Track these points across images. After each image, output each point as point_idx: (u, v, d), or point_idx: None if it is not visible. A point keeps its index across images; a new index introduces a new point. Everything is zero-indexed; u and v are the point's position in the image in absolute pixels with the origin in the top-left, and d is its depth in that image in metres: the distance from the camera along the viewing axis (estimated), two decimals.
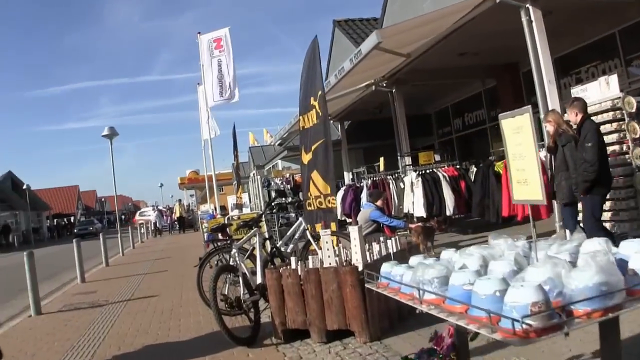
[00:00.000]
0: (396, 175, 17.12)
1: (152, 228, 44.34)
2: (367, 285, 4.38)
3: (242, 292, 7.49)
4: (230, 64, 19.09)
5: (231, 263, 8.16)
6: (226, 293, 7.61)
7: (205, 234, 16.75)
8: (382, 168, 17.99)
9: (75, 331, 9.56)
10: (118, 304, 11.90)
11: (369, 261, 6.90)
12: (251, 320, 7.46)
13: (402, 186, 15.89)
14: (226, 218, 13.43)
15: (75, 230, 64.33)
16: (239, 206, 21.13)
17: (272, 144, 34.09)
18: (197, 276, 9.31)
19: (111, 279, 16.89)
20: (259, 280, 7.87)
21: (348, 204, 18.15)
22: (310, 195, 9.74)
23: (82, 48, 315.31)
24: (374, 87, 17.66)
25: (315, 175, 9.92)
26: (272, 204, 11.96)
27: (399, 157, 18.82)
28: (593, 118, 8.97)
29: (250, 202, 24.78)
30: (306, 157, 10.11)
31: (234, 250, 8.07)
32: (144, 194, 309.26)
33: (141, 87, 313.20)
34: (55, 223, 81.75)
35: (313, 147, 9.82)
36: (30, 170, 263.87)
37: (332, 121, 23.06)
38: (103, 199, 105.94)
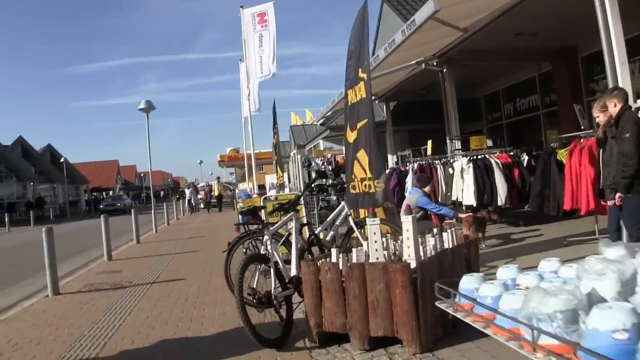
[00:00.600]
0: (444, 160, 16.09)
1: (187, 205, 43.74)
2: (439, 305, 3.27)
3: (273, 285, 6.51)
4: (272, 39, 18.61)
5: (263, 251, 7.16)
6: (255, 286, 6.55)
7: (240, 215, 15.90)
8: (429, 151, 17.00)
9: (89, 316, 8.77)
10: (141, 287, 11.09)
11: (423, 257, 5.85)
12: (282, 318, 6.45)
13: (451, 172, 14.82)
14: (262, 198, 12.45)
15: (102, 206, 59.70)
16: (278, 186, 20.13)
17: (314, 123, 33.15)
18: (224, 263, 8.41)
19: (139, 257, 16.16)
20: (293, 271, 6.94)
21: (392, 188, 16.90)
22: (355, 176, 8.78)
23: (125, 26, 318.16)
24: (423, 66, 16.49)
25: (361, 155, 8.99)
26: (312, 185, 10.77)
27: (447, 141, 17.64)
28: None
29: (289, 182, 23.72)
30: (351, 135, 9.14)
31: (266, 236, 7.06)
32: (184, 171, 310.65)
33: (183, 65, 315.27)
34: (93, 197, 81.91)
35: (359, 125, 8.85)
36: (72, 145, 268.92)
37: (377, 101, 22.24)
38: (142, 174, 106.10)
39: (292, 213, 7.72)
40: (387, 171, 18.05)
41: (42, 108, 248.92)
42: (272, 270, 6.57)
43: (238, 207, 15.93)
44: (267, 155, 49.18)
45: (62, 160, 62.69)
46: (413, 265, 5.48)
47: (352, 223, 8.79)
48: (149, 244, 20.23)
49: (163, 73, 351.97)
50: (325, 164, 21.74)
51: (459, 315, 2.97)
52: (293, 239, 7.36)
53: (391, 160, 22.91)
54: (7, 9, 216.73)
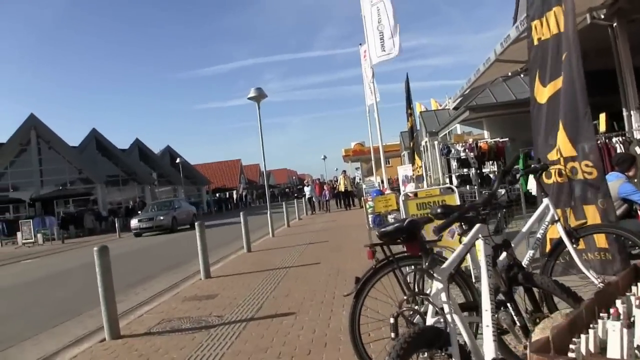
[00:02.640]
0: (624, 137, 12.73)
1: (307, 204, 39.82)
2: None
3: None
4: (390, 10, 16.91)
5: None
6: None
7: (370, 217, 12.44)
8: (602, 127, 13.66)
9: None
10: (232, 327, 7.88)
11: None
12: None
13: (638, 152, 11.54)
14: (401, 196, 9.01)
15: (132, 227, 36.53)
16: (414, 179, 16.47)
17: (448, 106, 29.35)
18: (350, 315, 4.77)
19: (244, 273, 13.03)
20: (489, 355, 3.50)
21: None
22: (560, 154, 5.19)
23: (245, 26, 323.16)
24: (588, 20, 12.96)
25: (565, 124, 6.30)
26: (511, 172, 6.47)
27: (625, 115, 14.35)
28: None
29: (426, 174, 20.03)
30: (544, 93, 6.66)
31: (437, 285, 3.85)
32: (309, 168, 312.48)
33: (305, 63, 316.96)
34: (216, 197, 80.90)
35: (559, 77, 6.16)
36: (195, 147, 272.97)
37: (522, 75, 18.92)
38: (265, 173, 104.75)
39: (478, 227, 4.31)
40: None
41: (165, 112, 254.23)
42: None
43: (367, 206, 12.39)
44: (393, 147, 45.44)
45: (178, 160, 61.16)
46: None
47: (561, 233, 5.38)
48: (261, 252, 17.09)
49: (284, 72, 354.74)
50: (467, 150, 17.99)
51: None
52: (483, 279, 3.92)
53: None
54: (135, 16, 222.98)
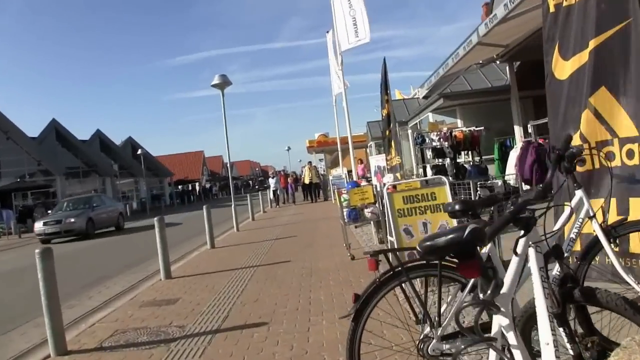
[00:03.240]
0: None
1: (271, 197, 37.71)
2: None
3: None
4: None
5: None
6: None
7: (345, 211, 11.38)
8: None
9: None
10: (196, 340, 6.77)
11: None
12: None
13: None
14: (384, 188, 8.05)
15: (35, 230, 29.07)
16: (388, 170, 15.38)
17: (417, 95, 28.37)
18: (348, 344, 3.67)
19: (207, 274, 11.91)
20: None
21: (529, 167, 14.17)
22: (587, 139, 5.25)
23: (210, 18, 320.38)
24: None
25: (602, 95, 5.18)
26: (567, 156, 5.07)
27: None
28: None
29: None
30: (565, 68, 5.72)
31: (501, 319, 2.96)
32: (273, 160, 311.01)
33: (270, 54, 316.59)
34: (179, 189, 79.34)
35: (600, 38, 5.14)
36: (159, 139, 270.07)
37: (497, 61, 18.31)
38: (228, 164, 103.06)
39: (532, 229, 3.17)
40: (519, 146, 15.16)
41: (128, 103, 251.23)
42: None
43: (342, 200, 11.31)
44: (359, 138, 44.43)
45: (139, 152, 59.36)
46: None
47: (597, 231, 4.48)
48: (226, 249, 15.98)
49: (249, 63, 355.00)
50: (442, 139, 17.06)
51: None
52: (540, 301, 3.01)
53: (519, 131, 18.37)
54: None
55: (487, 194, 8.00)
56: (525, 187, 13.02)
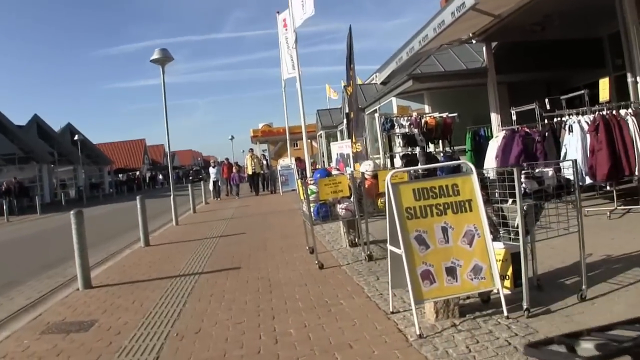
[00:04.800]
0: (635, 108, 10.52)
1: (211, 188, 32.59)
2: None
3: None
4: None
5: None
6: None
7: (313, 206, 8.82)
8: (604, 97, 11.03)
9: None
10: None
11: None
12: None
13: None
14: (388, 176, 5.57)
15: None
16: (355, 157, 12.83)
17: (375, 82, 25.93)
18: None
19: (137, 282, 9.29)
20: None
21: (514, 158, 12.40)
22: None
23: (154, 7, 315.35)
24: None
25: None
26: None
27: (630, 82, 12.13)
28: None
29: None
30: None
31: None
32: (216, 150, 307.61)
33: (213, 45, 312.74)
34: (120, 178, 75.63)
35: None
36: (100, 127, 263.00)
37: (473, 41, 16.59)
38: (170, 154, 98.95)
39: None
40: (500, 134, 13.30)
41: (69, 89, 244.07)
42: None
43: (309, 192, 8.70)
44: (307, 128, 42.22)
45: (76, 137, 55.60)
46: None
47: None
48: (162, 248, 13.34)
49: (193, 53, 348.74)
50: (413, 126, 14.71)
51: None
52: None
53: (496, 119, 16.23)
54: None
55: (534, 186, 5.49)
56: (588, 180, 10.65)
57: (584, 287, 5.64)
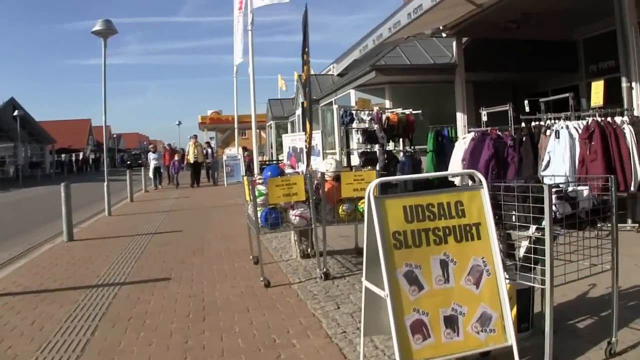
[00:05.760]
0: (631, 116, 9.48)
1: (152, 175, 29.04)
2: None
3: None
4: None
5: None
6: None
7: (261, 211, 7.14)
8: (596, 101, 9.68)
9: None
10: None
11: None
12: None
13: None
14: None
15: None
16: (305, 153, 11.04)
17: (331, 73, 24.30)
18: None
19: (46, 292, 7.53)
20: None
21: (484, 163, 11.33)
22: None
23: None
24: None
25: None
26: None
27: (624, 87, 10.75)
28: None
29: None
30: None
31: None
32: (163, 134, 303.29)
33: (168, 28, 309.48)
34: (63, 159, 72.69)
35: None
36: (47, 105, 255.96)
37: (444, 34, 15.87)
38: (115, 135, 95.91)
39: None
40: (468, 136, 12.24)
41: (18, 66, 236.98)
42: None
43: (257, 193, 6.96)
44: (257, 118, 40.51)
45: (15, 113, 52.53)
46: None
47: None
48: (86, 244, 11.51)
49: (146, 35, 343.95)
50: (374, 121, 13.19)
51: None
52: None
53: (462, 120, 14.92)
54: None
55: (567, 210, 3.95)
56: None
57: (614, 339, 4.29)
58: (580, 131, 9.14)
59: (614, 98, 11.53)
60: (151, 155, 29.87)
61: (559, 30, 15.77)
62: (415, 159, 13.80)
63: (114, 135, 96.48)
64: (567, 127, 9.33)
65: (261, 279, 7.10)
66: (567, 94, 10.27)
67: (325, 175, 7.30)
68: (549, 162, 9.52)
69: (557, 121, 9.81)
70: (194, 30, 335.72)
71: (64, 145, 74.93)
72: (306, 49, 9.95)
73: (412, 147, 14.22)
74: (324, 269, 7.25)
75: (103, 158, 79.36)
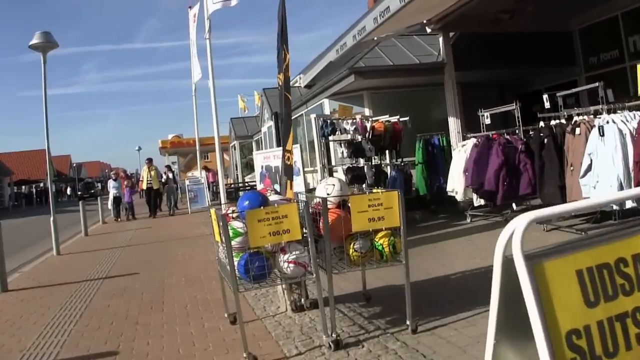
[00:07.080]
0: None
1: (110, 206, 24.67)
2: None
3: None
4: None
5: None
6: None
7: (239, 259, 4.87)
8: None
9: None
10: None
11: None
12: None
13: None
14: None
15: None
16: (281, 173, 8.59)
17: (298, 85, 22.19)
18: None
19: None
20: None
21: (493, 174, 9.72)
22: None
23: (65, 14, 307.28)
24: None
25: None
26: None
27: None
28: None
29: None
30: None
31: None
32: (124, 162, 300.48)
33: (125, 55, 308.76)
34: (24, 190, 69.99)
35: None
36: (2, 136, 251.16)
37: (429, 29, 14.42)
38: (75, 165, 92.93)
39: None
40: (470, 142, 10.81)
41: None
42: None
43: (232, 233, 4.62)
44: (213, 141, 38.69)
45: None
46: None
47: None
48: (22, 295, 9.18)
49: (104, 62, 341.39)
50: (358, 131, 11.16)
51: None
52: None
53: (455, 125, 13.35)
54: None
55: None
56: (630, 204, 7.21)
57: None
58: (633, 125, 7.14)
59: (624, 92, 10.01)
60: (111, 183, 25.08)
61: (553, 20, 14.11)
62: (406, 172, 11.82)
63: (74, 165, 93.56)
64: (614, 121, 7.32)
65: (244, 355, 4.83)
66: (597, 84, 8.40)
67: (328, 201, 5.08)
68: (589, 166, 7.51)
69: (598, 116, 7.83)
70: (151, 57, 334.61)
71: (23, 177, 72.39)
72: (284, 45, 7.81)
73: (401, 160, 12.24)
74: (333, 335, 5.00)
75: (66, 189, 76.94)
